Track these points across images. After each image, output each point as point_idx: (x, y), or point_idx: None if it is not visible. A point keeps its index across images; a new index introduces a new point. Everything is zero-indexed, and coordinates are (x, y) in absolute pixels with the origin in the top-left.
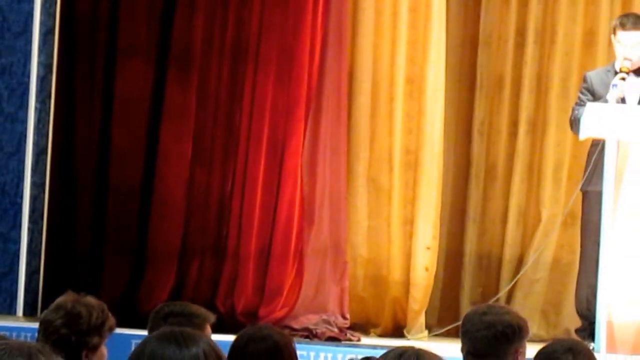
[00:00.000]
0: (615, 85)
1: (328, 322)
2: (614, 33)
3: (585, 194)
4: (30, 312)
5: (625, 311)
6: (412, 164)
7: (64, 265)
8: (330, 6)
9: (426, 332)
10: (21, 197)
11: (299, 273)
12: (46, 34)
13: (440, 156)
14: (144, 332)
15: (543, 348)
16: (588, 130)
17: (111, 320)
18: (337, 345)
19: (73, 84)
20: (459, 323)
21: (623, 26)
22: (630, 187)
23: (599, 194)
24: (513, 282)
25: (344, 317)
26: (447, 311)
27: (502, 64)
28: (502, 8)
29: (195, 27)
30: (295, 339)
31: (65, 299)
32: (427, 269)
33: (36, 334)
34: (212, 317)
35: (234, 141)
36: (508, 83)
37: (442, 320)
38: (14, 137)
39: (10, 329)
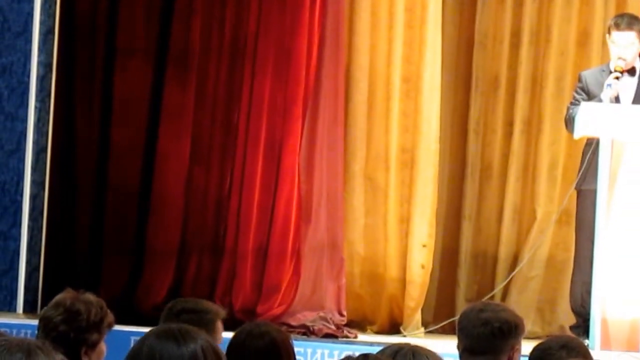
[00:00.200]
0: (609, 85)
1: (325, 319)
2: (609, 33)
3: (579, 192)
4: (30, 309)
5: (619, 308)
6: (409, 162)
7: (64, 263)
8: (327, 6)
9: (422, 329)
10: (21, 195)
11: (297, 271)
12: (46, 33)
13: (436, 155)
14: (143, 329)
15: (538, 345)
16: (582, 129)
17: (110, 317)
18: (334, 342)
19: (73, 83)
20: (455, 319)
21: (617, 26)
22: (625, 186)
23: (594, 193)
24: (508, 279)
25: (341, 314)
26: (443, 308)
27: (498, 64)
28: (497, 9)
29: (193, 27)
30: (292, 335)
31: (65, 296)
32: (423, 267)
33: (36, 331)
34: (223, 313)
35: (232, 140)
36: (503, 83)
37: (438, 317)
38: (14, 136)
39: (10, 326)
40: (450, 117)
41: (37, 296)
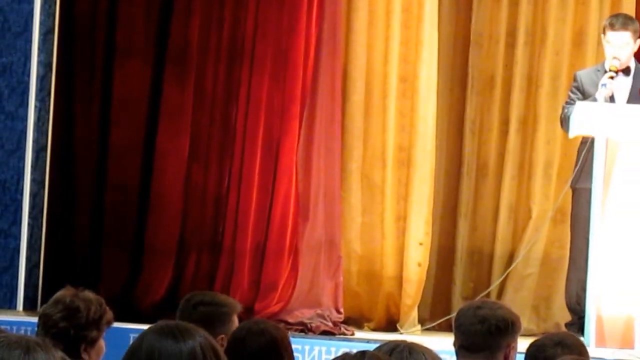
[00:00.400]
0: (604, 85)
1: (322, 317)
2: (604, 33)
3: (575, 191)
4: (30, 306)
5: (614, 305)
6: (405, 161)
7: (64, 261)
8: (324, 6)
9: (419, 327)
10: (21, 194)
11: (294, 268)
12: (46, 33)
13: (432, 154)
14: (142, 327)
15: (534, 341)
16: (577, 128)
17: (109, 314)
18: (331, 339)
19: (72, 82)
20: (451, 316)
21: (612, 26)
22: (619, 185)
23: (589, 191)
24: (503, 277)
25: (338, 312)
26: (439, 306)
27: (493, 64)
28: (493, 9)
29: (191, 27)
30: (290, 333)
31: (64, 293)
32: (419, 265)
33: (36, 328)
34: (239, 307)
35: (230, 139)
36: (499, 82)
37: (434, 314)
38: (15, 135)
39: (11, 323)
40: (446, 116)
41: (37, 293)
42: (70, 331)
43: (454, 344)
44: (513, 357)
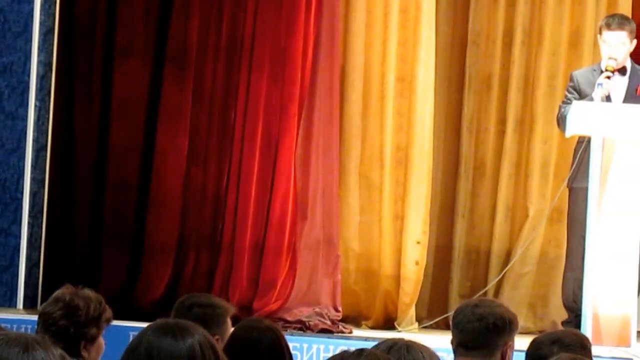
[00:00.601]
0: (600, 84)
1: (321, 315)
2: (600, 33)
3: (571, 190)
4: (30, 304)
5: (610, 304)
6: (403, 160)
7: (64, 259)
8: (322, 7)
9: (416, 325)
10: (21, 193)
11: (292, 267)
12: (46, 33)
13: (430, 153)
14: (141, 324)
15: (534, 339)
16: (574, 128)
17: (108, 312)
18: (329, 337)
19: (72, 82)
20: (448, 315)
21: (608, 26)
22: (615, 184)
23: (585, 191)
24: (500, 276)
25: (336, 310)
26: (436, 304)
27: (491, 64)
28: (490, 9)
29: (191, 27)
30: (288, 331)
31: (64, 291)
32: (417, 263)
33: (36, 326)
34: (232, 310)
35: (229, 138)
36: (496, 82)
37: (431, 313)
38: (15, 134)
39: (11, 321)
40: (444, 115)
41: (37, 292)
42: (70, 329)
43: (452, 342)
44: (510, 355)
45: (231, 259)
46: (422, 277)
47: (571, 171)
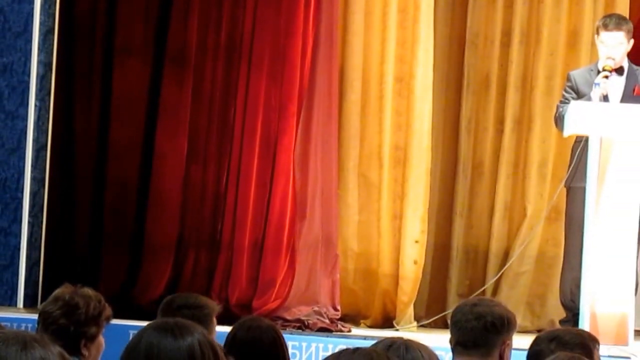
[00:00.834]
0: (597, 84)
1: (319, 314)
2: (597, 33)
3: (569, 189)
4: (30, 303)
5: (607, 303)
6: (401, 160)
7: (64, 258)
8: (321, 7)
9: (415, 323)
10: (22, 192)
11: (291, 266)
12: (46, 33)
13: (428, 153)
14: (141, 323)
15: (537, 336)
16: (572, 128)
17: (108, 310)
18: (328, 336)
19: (72, 82)
20: (446, 313)
21: (606, 27)
22: (613, 184)
23: (583, 190)
24: (498, 275)
25: (335, 309)
26: (435, 303)
27: (489, 63)
28: (488, 9)
29: (190, 27)
30: (287, 329)
31: (63, 290)
32: (415, 262)
33: (36, 325)
34: (217, 308)
35: (228, 138)
36: (494, 82)
37: (430, 311)
38: (15, 134)
39: (11, 320)
40: (442, 115)
41: (37, 291)
42: (70, 327)
43: (450, 341)
44: (508, 354)
45: (230, 258)
46: (420, 276)
47: (569, 171)
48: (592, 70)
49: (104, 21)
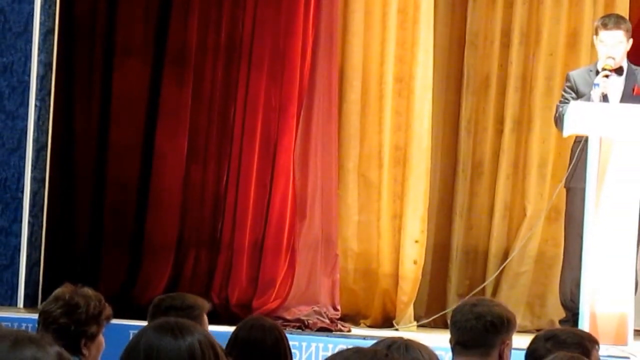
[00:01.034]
0: (597, 84)
1: (319, 313)
2: (596, 33)
3: (569, 190)
4: (30, 303)
5: (607, 303)
6: (401, 160)
7: (64, 258)
8: (321, 7)
9: (415, 323)
10: (22, 192)
11: (291, 266)
12: (46, 33)
13: (428, 153)
14: (141, 323)
15: (535, 335)
16: (571, 128)
17: (108, 309)
18: (328, 336)
19: (72, 82)
20: (446, 312)
21: (605, 26)
22: (612, 184)
23: (582, 190)
24: (496, 274)
25: (335, 309)
26: (434, 303)
27: (488, 64)
28: (488, 10)
29: (190, 27)
30: (287, 329)
31: (63, 290)
32: (415, 262)
33: (36, 325)
34: (207, 306)
35: (228, 138)
36: (494, 82)
37: (430, 311)
38: (15, 134)
39: (11, 320)
40: (442, 115)
41: (37, 291)
42: (71, 327)
43: (450, 341)
44: (508, 354)
45: (230, 258)
46: (420, 276)
47: (568, 171)
48: (591, 70)
49: (104, 21)
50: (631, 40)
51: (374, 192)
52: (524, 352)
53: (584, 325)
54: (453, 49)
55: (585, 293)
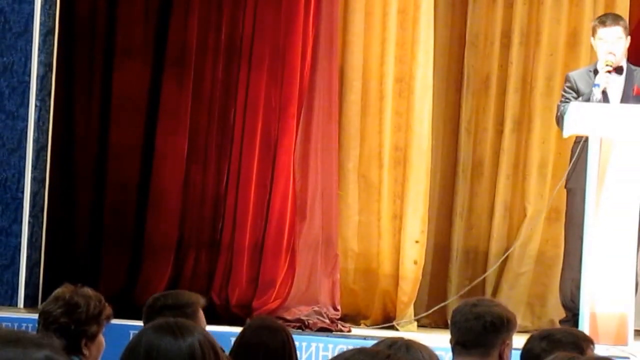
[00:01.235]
0: (597, 85)
1: (320, 314)
2: (594, 32)
3: (569, 190)
4: (30, 303)
5: (607, 303)
6: (401, 160)
7: (64, 259)
8: (321, 7)
9: (415, 324)
10: (22, 192)
11: (292, 266)
12: (46, 34)
13: (428, 153)
14: (141, 323)
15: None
16: (572, 128)
17: (108, 309)
18: (328, 336)
19: (72, 82)
20: (445, 303)
21: (603, 23)
22: (613, 184)
23: (583, 191)
24: (487, 273)
25: (335, 309)
26: (434, 303)
27: (489, 64)
28: (488, 10)
29: (190, 27)
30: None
31: (63, 290)
32: (415, 263)
33: (36, 325)
34: (202, 301)
35: (228, 139)
36: (494, 82)
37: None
38: (15, 134)
39: (12, 320)
40: (442, 116)
41: (37, 291)
42: (71, 327)
43: (450, 341)
44: (508, 354)
45: (231, 258)
46: (420, 277)
47: (568, 171)
48: (590, 71)
49: (104, 22)
50: (629, 38)
51: (374, 192)
52: None
53: (584, 325)
54: (453, 49)
55: (586, 293)
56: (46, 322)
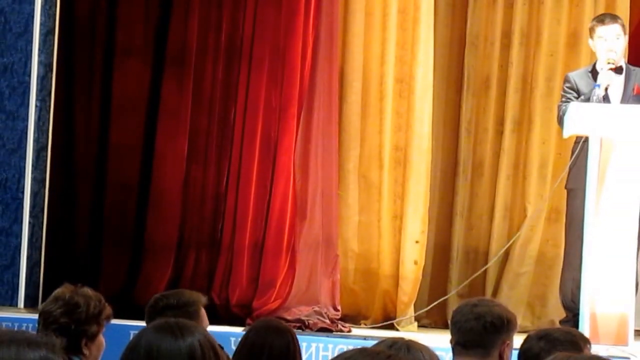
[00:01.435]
0: (597, 85)
1: (320, 314)
2: (593, 32)
3: (569, 191)
4: (30, 303)
5: (607, 303)
6: (402, 161)
7: (64, 259)
8: (321, 8)
9: (415, 324)
10: (22, 193)
11: (292, 266)
12: (46, 34)
13: (428, 153)
14: (142, 323)
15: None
16: (572, 128)
17: (108, 309)
18: (328, 336)
19: (72, 82)
20: (445, 298)
21: (602, 22)
22: (613, 184)
23: (583, 191)
24: (482, 270)
25: (336, 309)
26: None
27: (489, 65)
28: (488, 10)
29: (190, 28)
30: None
31: (63, 290)
32: (416, 263)
33: (37, 325)
34: (204, 300)
35: (228, 139)
36: (494, 83)
37: (430, 312)
38: (15, 134)
39: (12, 320)
40: (442, 116)
41: (37, 291)
42: (71, 326)
43: (450, 341)
44: (508, 355)
45: (231, 258)
46: (420, 277)
47: (568, 171)
48: (590, 71)
49: (104, 22)
50: (627, 37)
51: (374, 192)
52: None
53: (585, 325)
54: (453, 49)
55: (586, 293)
56: (46, 322)
